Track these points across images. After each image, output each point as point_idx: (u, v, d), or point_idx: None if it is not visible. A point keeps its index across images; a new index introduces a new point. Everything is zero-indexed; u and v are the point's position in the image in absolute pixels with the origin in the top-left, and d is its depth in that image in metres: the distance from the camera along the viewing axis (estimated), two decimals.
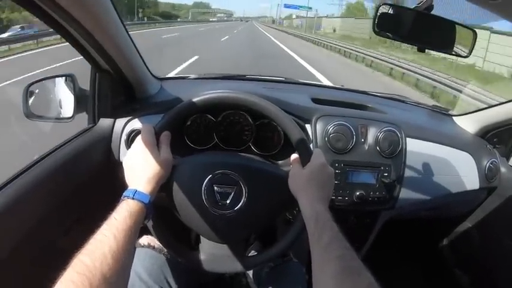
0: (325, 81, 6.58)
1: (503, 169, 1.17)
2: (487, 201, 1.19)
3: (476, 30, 0.85)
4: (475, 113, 1.25)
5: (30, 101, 0.91)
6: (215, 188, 0.71)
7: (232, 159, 0.79)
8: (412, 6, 0.72)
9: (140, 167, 0.66)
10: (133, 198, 0.61)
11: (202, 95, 0.73)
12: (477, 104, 5.00)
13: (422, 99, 5.97)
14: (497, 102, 1.20)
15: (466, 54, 0.84)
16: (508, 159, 1.21)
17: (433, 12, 0.72)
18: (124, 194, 0.62)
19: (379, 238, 1.09)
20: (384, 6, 0.75)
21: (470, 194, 1.11)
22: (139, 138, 0.69)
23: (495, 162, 1.13)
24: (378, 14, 0.77)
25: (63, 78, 0.95)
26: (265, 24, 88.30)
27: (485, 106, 1.25)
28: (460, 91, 6.33)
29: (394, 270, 1.42)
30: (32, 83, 0.91)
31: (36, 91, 0.93)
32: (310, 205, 0.64)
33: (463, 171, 1.08)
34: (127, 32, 0.82)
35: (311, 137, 0.96)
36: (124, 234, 0.55)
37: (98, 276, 0.48)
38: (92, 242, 0.53)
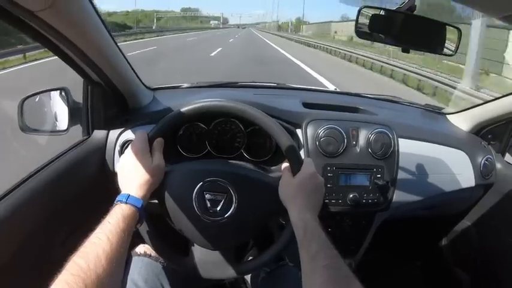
0: None
1: (498, 165, 1.16)
2: (484, 198, 1.19)
3: None
4: (468, 110, 1.24)
5: (26, 114, 0.92)
6: (206, 195, 0.72)
7: (222, 166, 0.80)
8: (394, 8, 0.73)
9: (133, 172, 0.68)
10: (126, 203, 0.63)
11: (192, 103, 0.74)
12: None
13: None
14: (491, 98, 1.20)
15: (451, 53, 0.85)
16: (503, 155, 1.20)
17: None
18: (117, 198, 0.64)
19: (376, 239, 1.09)
20: (365, 9, 0.76)
21: (467, 192, 1.11)
22: (132, 145, 0.71)
23: (490, 158, 1.13)
24: (366, 15, 0.78)
25: (58, 91, 0.96)
26: (265, 30, 73.70)
27: (479, 103, 1.25)
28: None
29: (393, 271, 1.42)
30: (27, 97, 0.93)
31: (31, 105, 0.94)
32: (298, 214, 0.65)
33: (458, 169, 1.08)
34: (116, 44, 0.83)
35: (302, 141, 0.96)
36: (117, 237, 0.56)
37: (92, 278, 0.49)
38: (86, 244, 0.54)
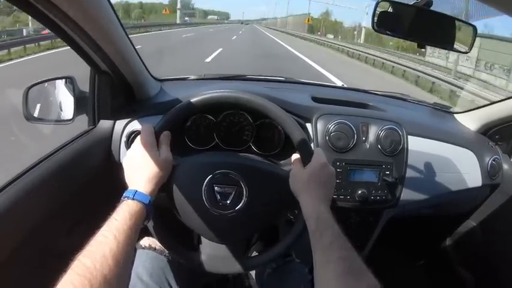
0: None
1: (505, 166, 1.16)
2: (490, 198, 1.19)
3: None
4: (476, 110, 1.24)
5: (30, 103, 0.91)
6: (215, 188, 0.71)
7: (232, 159, 0.78)
8: (412, 3, 0.71)
9: (140, 167, 0.66)
10: (133, 199, 0.61)
11: (201, 94, 0.73)
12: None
13: None
14: (499, 99, 1.19)
15: (465, 50, 0.84)
16: (510, 156, 1.20)
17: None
18: (124, 194, 0.62)
19: (382, 237, 1.08)
20: (382, 2, 0.75)
21: (473, 192, 1.11)
22: (138, 139, 0.69)
23: (497, 159, 1.12)
24: (377, 11, 0.77)
25: (63, 80, 0.95)
26: (276, 28, 55.51)
27: (487, 103, 1.24)
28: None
29: (398, 269, 1.42)
30: (32, 86, 0.91)
31: (36, 93, 0.93)
32: (311, 205, 0.64)
33: (465, 169, 1.07)
34: (126, 33, 0.82)
35: (312, 136, 0.95)
36: (124, 235, 0.55)
37: (98, 278, 0.48)
38: (92, 243, 0.53)
